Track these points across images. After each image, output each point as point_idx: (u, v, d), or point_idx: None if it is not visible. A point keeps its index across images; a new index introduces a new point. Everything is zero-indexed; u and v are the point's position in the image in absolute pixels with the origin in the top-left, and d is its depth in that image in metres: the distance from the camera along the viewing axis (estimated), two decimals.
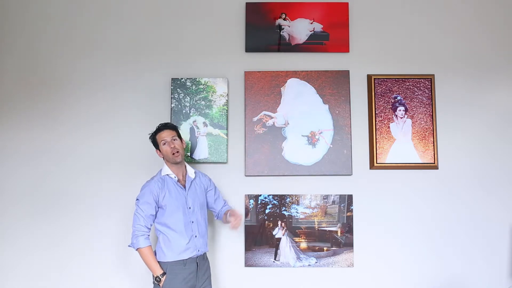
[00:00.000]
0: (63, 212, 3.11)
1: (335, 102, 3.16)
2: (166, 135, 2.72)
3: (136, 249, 2.61)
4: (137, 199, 2.68)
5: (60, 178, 3.13)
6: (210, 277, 2.80)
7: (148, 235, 2.65)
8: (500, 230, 3.11)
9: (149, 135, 2.81)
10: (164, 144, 2.71)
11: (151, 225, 2.67)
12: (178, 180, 2.74)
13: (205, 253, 2.78)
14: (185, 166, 2.81)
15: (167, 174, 2.73)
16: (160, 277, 2.58)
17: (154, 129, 2.79)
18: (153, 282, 2.65)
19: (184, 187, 2.74)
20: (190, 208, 2.71)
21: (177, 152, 2.70)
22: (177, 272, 2.61)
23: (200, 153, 3.10)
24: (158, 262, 2.63)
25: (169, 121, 3.08)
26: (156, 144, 2.76)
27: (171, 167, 2.74)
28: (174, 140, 2.72)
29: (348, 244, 3.09)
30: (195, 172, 2.82)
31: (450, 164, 3.15)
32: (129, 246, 2.66)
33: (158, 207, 2.67)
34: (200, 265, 2.71)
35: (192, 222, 2.70)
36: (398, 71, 3.21)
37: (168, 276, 2.60)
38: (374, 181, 3.14)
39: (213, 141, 3.12)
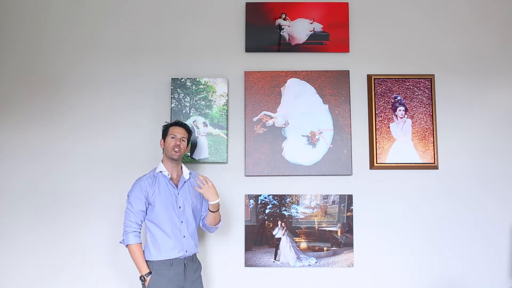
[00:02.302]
0: (62, 212, 3.11)
1: (335, 102, 3.16)
2: (178, 132, 2.74)
3: (126, 246, 2.62)
4: (127, 195, 2.69)
5: (59, 178, 3.13)
6: (201, 278, 2.77)
7: (139, 232, 2.63)
8: (500, 230, 3.11)
9: (165, 123, 2.83)
10: (172, 138, 2.72)
11: (141, 221, 2.65)
12: (171, 179, 2.73)
13: (194, 255, 2.74)
14: (181, 167, 2.80)
15: (161, 171, 2.73)
16: (144, 276, 2.57)
17: (172, 121, 2.84)
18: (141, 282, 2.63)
19: (177, 186, 2.73)
20: (180, 207, 2.69)
21: (178, 150, 2.70)
22: (163, 272, 2.58)
23: (200, 153, 3.10)
24: (146, 261, 2.61)
25: (170, 121, 3.08)
26: (164, 133, 2.78)
27: (166, 164, 2.74)
28: (182, 140, 2.74)
29: (348, 244, 3.09)
30: (190, 173, 2.81)
31: (450, 164, 3.15)
32: (120, 242, 2.66)
33: (148, 204, 2.66)
34: (188, 267, 2.67)
35: (182, 222, 2.68)
36: (398, 71, 3.21)
37: (153, 276, 2.57)
38: (374, 181, 3.14)
39: (213, 141, 3.12)
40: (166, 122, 2.86)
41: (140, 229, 2.65)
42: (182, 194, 2.72)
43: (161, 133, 2.82)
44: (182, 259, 2.65)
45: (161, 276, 2.58)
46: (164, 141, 2.76)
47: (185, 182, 2.76)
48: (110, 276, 3.08)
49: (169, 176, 2.73)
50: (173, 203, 2.67)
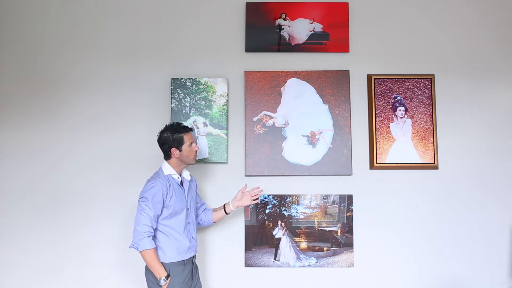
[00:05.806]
0: (62, 212, 3.11)
1: (335, 102, 3.15)
2: (191, 137, 2.73)
3: (140, 251, 2.52)
4: (144, 197, 2.56)
5: (60, 178, 3.13)
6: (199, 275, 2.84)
7: (152, 236, 2.57)
8: (500, 230, 3.11)
9: (169, 131, 2.67)
10: (191, 145, 2.69)
11: (155, 226, 2.58)
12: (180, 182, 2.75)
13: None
14: None
15: (170, 174, 2.69)
16: (165, 279, 2.54)
17: (177, 127, 2.69)
18: (152, 283, 2.61)
19: (183, 188, 2.74)
20: (188, 209, 2.72)
21: (196, 155, 2.75)
22: (178, 273, 2.60)
23: (200, 153, 3.10)
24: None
25: (169, 121, 3.08)
26: (178, 142, 2.66)
27: (176, 167, 2.70)
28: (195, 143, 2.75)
29: (348, 244, 3.09)
30: (190, 174, 2.82)
31: (450, 164, 3.15)
32: (130, 247, 2.55)
33: (163, 207, 2.61)
34: (194, 265, 2.74)
35: (189, 223, 2.72)
36: (398, 71, 3.21)
37: (170, 278, 2.58)
38: (374, 181, 3.14)
39: (213, 141, 3.12)
40: (165, 129, 2.71)
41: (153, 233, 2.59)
42: (189, 196, 2.75)
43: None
44: (191, 258, 2.70)
45: (178, 277, 2.60)
46: (179, 150, 2.66)
47: (189, 183, 2.78)
48: (110, 276, 3.08)
49: (180, 179, 2.72)
50: (183, 206, 2.68)
